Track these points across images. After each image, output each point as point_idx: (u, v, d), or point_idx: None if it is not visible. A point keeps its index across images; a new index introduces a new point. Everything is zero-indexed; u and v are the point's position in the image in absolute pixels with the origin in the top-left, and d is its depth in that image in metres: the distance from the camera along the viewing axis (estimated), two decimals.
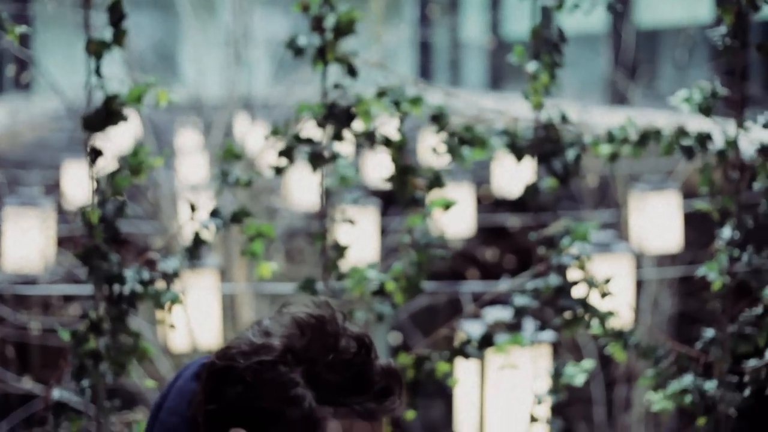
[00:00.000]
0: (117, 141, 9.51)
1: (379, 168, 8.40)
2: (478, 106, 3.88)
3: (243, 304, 7.00)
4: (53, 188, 8.48)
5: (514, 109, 3.28)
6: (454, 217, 7.98)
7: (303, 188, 8.55)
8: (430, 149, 2.99)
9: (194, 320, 5.66)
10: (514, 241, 9.07)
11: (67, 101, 5.68)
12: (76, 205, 8.60)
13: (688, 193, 7.68)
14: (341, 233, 3.17)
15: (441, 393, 8.92)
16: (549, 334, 3.45)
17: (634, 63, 9.49)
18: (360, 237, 6.09)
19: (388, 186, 3.07)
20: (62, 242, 7.21)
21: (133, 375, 2.87)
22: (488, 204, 9.34)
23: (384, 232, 7.73)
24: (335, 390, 1.88)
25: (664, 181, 7.64)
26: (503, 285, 3.33)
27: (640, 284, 7.93)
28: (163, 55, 12.39)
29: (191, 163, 8.97)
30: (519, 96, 3.07)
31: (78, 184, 8.89)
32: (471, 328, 3.15)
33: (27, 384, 7.19)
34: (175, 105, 2.99)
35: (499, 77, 13.24)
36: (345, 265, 3.02)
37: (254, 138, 7.94)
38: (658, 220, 7.47)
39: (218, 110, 8.06)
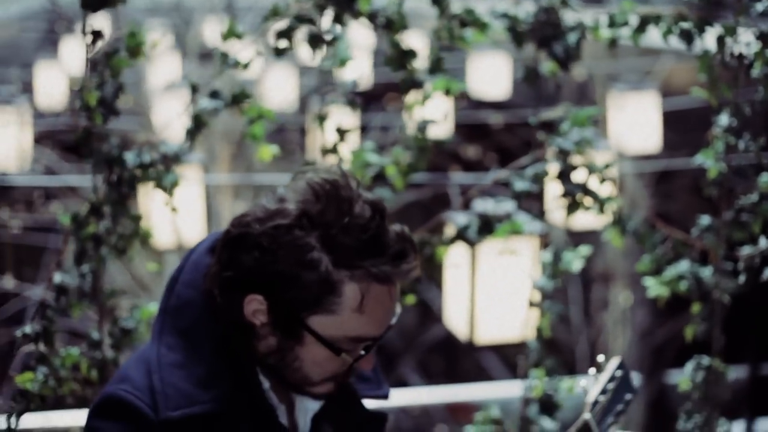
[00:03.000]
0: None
1: (358, 68, 8.35)
2: None
3: (225, 200, 6.98)
4: (27, 87, 8.36)
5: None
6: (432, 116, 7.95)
7: (279, 90, 8.50)
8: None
9: (179, 216, 5.62)
10: (495, 139, 9.07)
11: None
12: (51, 103, 8.52)
13: (667, 94, 7.68)
14: (338, 120, 3.14)
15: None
16: (539, 225, 3.46)
17: None
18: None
19: (367, 85, 3.06)
20: (39, 139, 7.14)
21: (134, 259, 2.85)
22: (466, 105, 9.32)
23: (364, 129, 7.70)
24: (351, 253, 1.89)
25: (643, 81, 7.63)
26: (494, 175, 3.32)
27: (618, 185, 7.95)
28: None
29: (165, 62, 8.88)
30: None
31: (52, 83, 8.79)
32: (469, 216, 3.15)
33: (8, 283, 7.16)
34: (153, 5, 2.93)
35: None
36: (344, 150, 3.00)
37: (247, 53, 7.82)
38: (636, 121, 7.47)
39: (195, 11, 7.95)
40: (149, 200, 2.87)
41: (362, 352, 1.97)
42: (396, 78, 3.01)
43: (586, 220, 3.39)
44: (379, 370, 2.20)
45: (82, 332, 3.24)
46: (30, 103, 7.34)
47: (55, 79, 8.97)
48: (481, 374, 9.30)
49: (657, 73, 8.14)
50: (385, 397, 2.18)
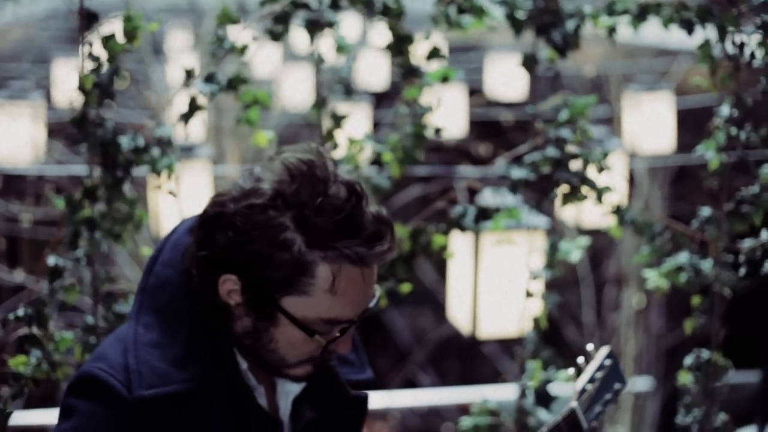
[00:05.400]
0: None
1: (371, 68, 8.35)
2: None
3: None
4: (43, 83, 8.38)
5: None
6: (447, 117, 7.95)
7: (297, 89, 8.49)
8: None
9: (188, 210, 5.64)
10: (508, 138, 9.04)
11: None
12: (66, 98, 8.54)
13: (683, 94, 7.64)
14: (338, 107, 3.13)
15: (431, 300, 8.95)
16: (544, 220, 3.44)
17: None
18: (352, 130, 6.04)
19: (379, 85, 3.05)
20: (53, 133, 7.15)
21: (128, 243, 2.84)
22: (481, 108, 9.30)
23: (376, 126, 7.70)
24: (324, 234, 1.88)
25: (658, 82, 7.59)
26: (499, 167, 3.31)
27: (632, 186, 7.92)
28: None
29: (183, 62, 8.90)
30: None
31: (68, 79, 8.80)
32: (467, 205, 3.14)
33: (18, 276, 7.16)
34: (169, 6, 2.94)
35: None
36: (341, 136, 2.99)
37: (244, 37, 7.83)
38: (651, 121, 7.42)
39: (208, 12, 7.96)
40: (155, 189, 2.85)
41: (338, 334, 1.95)
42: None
43: (594, 217, 3.35)
44: (363, 353, 2.19)
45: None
46: (46, 98, 7.35)
47: (72, 76, 8.99)
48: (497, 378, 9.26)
49: (673, 74, 8.09)
50: (368, 380, 2.16)
